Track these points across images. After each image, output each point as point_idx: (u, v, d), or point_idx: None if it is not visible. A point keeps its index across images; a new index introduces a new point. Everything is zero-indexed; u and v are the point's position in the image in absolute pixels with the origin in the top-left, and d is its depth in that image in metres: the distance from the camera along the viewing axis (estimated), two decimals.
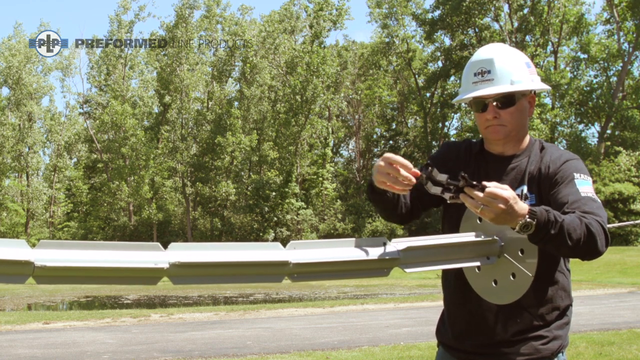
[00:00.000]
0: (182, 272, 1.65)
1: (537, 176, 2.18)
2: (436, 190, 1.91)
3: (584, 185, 2.08)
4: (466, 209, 2.15)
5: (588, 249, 1.94)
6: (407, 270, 1.91)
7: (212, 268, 1.68)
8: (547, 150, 2.23)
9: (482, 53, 2.23)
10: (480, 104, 2.19)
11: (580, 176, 2.12)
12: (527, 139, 2.27)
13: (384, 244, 1.88)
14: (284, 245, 1.77)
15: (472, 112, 2.25)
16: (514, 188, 2.17)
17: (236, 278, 1.73)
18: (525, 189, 2.18)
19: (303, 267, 1.75)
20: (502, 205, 1.82)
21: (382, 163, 1.99)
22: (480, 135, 2.34)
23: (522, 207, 1.86)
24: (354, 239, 1.88)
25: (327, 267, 1.80)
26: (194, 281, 1.68)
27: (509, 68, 2.16)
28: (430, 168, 1.90)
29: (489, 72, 2.16)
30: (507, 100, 2.16)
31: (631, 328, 10.22)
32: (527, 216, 1.85)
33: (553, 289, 2.17)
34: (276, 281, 1.74)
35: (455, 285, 2.26)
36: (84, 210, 54.87)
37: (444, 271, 2.28)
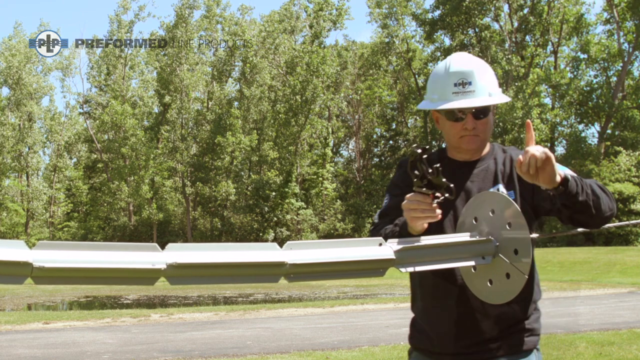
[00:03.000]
0: (180, 273, 1.66)
1: (513, 174, 2.24)
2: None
3: (566, 169, 2.12)
4: (462, 208, 2.18)
5: (606, 209, 2.08)
6: (403, 270, 1.93)
7: (210, 269, 1.69)
8: (511, 150, 2.32)
9: (460, 64, 2.25)
10: (456, 114, 2.22)
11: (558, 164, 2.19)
12: (488, 144, 2.35)
13: (380, 245, 1.89)
14: (282, 245, 1.78)
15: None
16: (487, 188, 2.25)
17: (233, 279, 1.74)
18: (501, 187, 2.25)
19: (299, 267, 1.76)
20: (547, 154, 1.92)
21: (406, 203, 2.02)
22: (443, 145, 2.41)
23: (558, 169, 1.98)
24: (350, 239, 1.89)
25: (324, 267, 1.81)
26: (191, 281, 1.69)
27: (487, 81, 2.23)
28: (423, 152, 1.91)
29: (469, 83, 2.20)
30: (483, 111, 2.23)
31: (631, 328, 10.23)
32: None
33: (530, 284, 2.21)
34: (273, 281, 1.75)
35: (437, 288, 2.27)
36: (84, 210, 54.90)
37: (418, 276, 2.30)
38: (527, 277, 1.98)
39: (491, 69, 2.30)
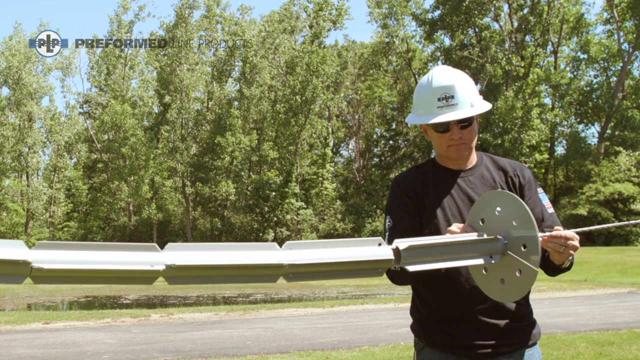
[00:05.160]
0: (178, 274, 1.66)
1: (508, 180, 2.45)
2: None
3: (547, 200, 2.45)
4: (469, 210, 2.23)
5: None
6: (410, 269, 1.93)
7: (208, 270, 1.69)
8: (496, 158, 2.53)
9: (442, 79, 2.38)
10: (442, 126, 2.37)
11: (541, 190, 2.48)
12: (475, 153, 2.51)
13: (379, 245, 1.89)
14: (282, 245, 1.78)
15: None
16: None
17: (232, 279, 1.74)
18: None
19: (298, 267, 1.76)
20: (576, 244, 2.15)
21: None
22: (433, 155, 2.55)
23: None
24: (349, 239, 1.89)
25: (322, 267, 1.81)
26: (190, 282, 1.69)
27: (468, 92, 2.37)
28: None
29: (452, 97, 2.34)
30: (468, 121, 2.38)
31: (631, 328, 10.23)
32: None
33: None
34: (271, 281, 1.75)
35: (452, 289, 2.35)
36: (84, 210, 54.89)
37: (427, 281, 2.37)
38: (537, 271, 1.99)
39: (471, 79, 2.43)
